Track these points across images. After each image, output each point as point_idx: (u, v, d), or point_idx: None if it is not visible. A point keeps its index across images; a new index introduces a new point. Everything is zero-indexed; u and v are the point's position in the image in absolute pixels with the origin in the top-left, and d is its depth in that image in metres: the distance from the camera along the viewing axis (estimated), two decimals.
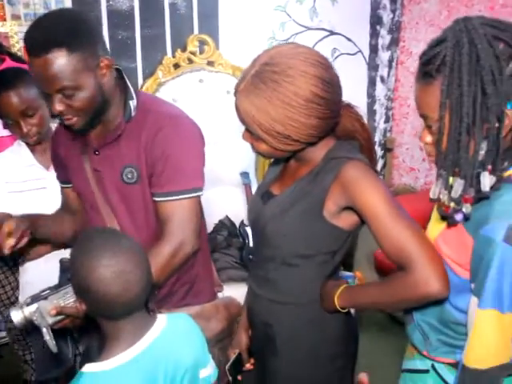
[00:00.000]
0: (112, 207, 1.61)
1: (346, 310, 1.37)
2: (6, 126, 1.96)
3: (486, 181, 1.10)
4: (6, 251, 1.55)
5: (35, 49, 1.35)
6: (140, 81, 3.06)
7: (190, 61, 3.05)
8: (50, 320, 1.44)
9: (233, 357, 1.62)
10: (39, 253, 1.96)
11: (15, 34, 2.81)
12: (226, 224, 2.92)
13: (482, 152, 1.09)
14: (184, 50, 3.04)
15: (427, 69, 1.13)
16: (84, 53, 1.38)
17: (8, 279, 2.34)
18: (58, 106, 1.41)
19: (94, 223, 1.66)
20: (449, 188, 1.15)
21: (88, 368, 1.16)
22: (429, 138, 1.19)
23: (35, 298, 1.46)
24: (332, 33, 3.46)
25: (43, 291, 1.49)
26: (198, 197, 1.58)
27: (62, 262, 1.52)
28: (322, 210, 1.31)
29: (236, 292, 1.94)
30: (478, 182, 1.10)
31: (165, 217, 1.54)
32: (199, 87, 2.99)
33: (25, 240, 1.59)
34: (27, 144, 1.98)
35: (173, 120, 1.53)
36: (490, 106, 1.06)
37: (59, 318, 1.45)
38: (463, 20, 1.10)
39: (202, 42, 3.07)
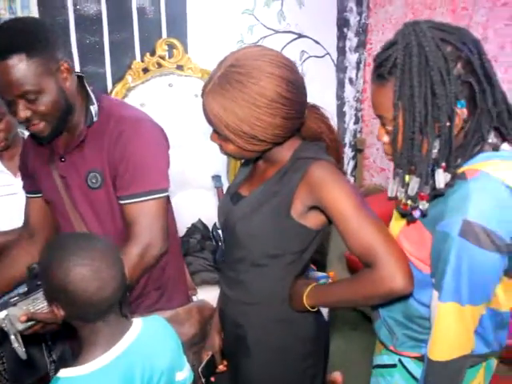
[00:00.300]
0: (80, 213, 1.61)
1: (315, 309, 1.39)
2: None
3: (441, 178, 1.13)
4: None
5: None
6: (109, 85, 3.04)
7: (159, 65, 3.04)
8: (20, 326, 1.43)
9: (206, 359, 1.63)
10: None
11: None
12: (198, 227, 2.93)
13: (435, 150, 1.13)
14: (153, 54, 3.04)
15: (380, 71, 1.17)
16: (43, 57, 1.39)
17: None
18: (23, 113, 1.41)
19: (64, 230, 1.66)
20: (405, 186, 1.18)
21: (64, 373, 1.16)
22: (386, 138, 1.23)
23: (4, 305, 1.45)
24: (300, 36, 3.49)
25: (12, 298, 1.48)
26: (164, 198, 1.58)
27: (29, 268, 1.51)
28: (290, 209, 1.33)
29: (210, 295, 1.94)
30: (434, 180, 1.14)
31: (131, 219, 1.54)
32: (169, 91, 2.99)
33: None
34: None
35: (134, 123, 1.55)
36: (441, 106, 1.10)
37: (29, 324, 1.44)
38: (412, 24, 1.14)
39: (171, 46, 3.07)
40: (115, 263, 1.21)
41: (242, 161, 1.57)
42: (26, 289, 1.51)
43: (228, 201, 1.50)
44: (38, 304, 1.46)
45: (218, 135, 1.33)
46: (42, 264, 1.21)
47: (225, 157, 3.11)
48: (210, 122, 1.32)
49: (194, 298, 1.95)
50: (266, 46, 1.38)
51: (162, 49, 3.04)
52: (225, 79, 1.25)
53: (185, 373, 1.36)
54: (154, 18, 3.09)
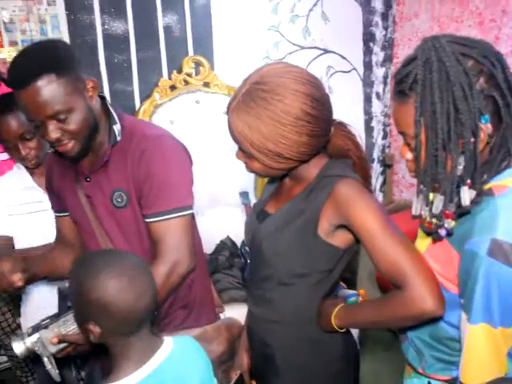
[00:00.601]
0: (106, 232, 1.61)
1: (343, 330, 1.37)
2: (5, 150, 1.98)
3: (466, 195, 1.10)
4: (21, 283, 1.56)
5: (23, 79, 1.37)
6: (137, 103, 3.08)
7: (186, 82, 3.07)
8: (53, 349, 1.44)
9: (234, 378, 1.60)
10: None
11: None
12: (227, 244, 2.92)
13: (460, 167, 1.10)
14: (180, 71, 3.07)
15: (401, 87, 1.15)
16: (71, 76, 1.41)
17: (8, 306, 2.34)
18: (54, 133, 1.42)
19: (90, 249, 1.66)
20: (430, 204, 1.15)
21: None
22: (409, 155, 1.21)
23: (36, 328, 1.46)
24: (326, 51, 3.48)
25: (43, 320, 1.49)
26: (189, 215, 1.57)
27: (59, 290, 1.52)
28: (317, 228, 1.31)
29: (238, 312, 1.92)
30: (459, 197, 1.11)
31: (157, 237, 1.54)
32: (196, 108, 3.01)
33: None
34: (26, 167, 1.99)
35: (156, 141, 1.54)
36: (464, 122, 1.07)
37: (61, 346, 1.45)
38: (431, 39, 1.12)
39: (198, 64, 3.10)
40: (147, 274, 1.23)
41: (268, 178, 1.56)
42: (57, 311, 1.52)
43: (254, 218, 1.49)
44: (69, 326, 1.47)
45: (244, 153, 1.33)
46: (74, 283, 1.21)
47: (252, 174, 3.11)
48: (235, 139, 1.31)
49: (221, 316, 1.93)
50: (290, 62, 1.37)
51: (188, 66, 3.06)
52: (249, 96, 1.25)
53: None
54: (181, 36, 3.12)
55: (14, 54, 2.81)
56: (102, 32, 2.97)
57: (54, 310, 1.63)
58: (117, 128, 1.54)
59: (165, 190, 1.52)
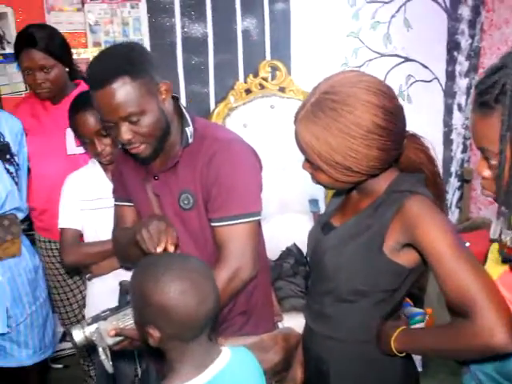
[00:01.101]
0: None
1: (403, 354, 1.29)
2: (81, 145, 2.05)
3: None
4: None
5: (99, 81, 1.39)
6: (212, 105, 3.11)
7: (262, 86, 3.06)
8: (109, 341, 1.45)
9: None
10: (105, 269, 2.01)
11: None
12: (292, 251, 2.88)
13: None
14: (256, 75, 3.07)
15: (484, 99, 1.06)
16: (145, 78, 1.41)
17: (76, 297, 2.41)
18: (126, 135, 1.43)
19: None
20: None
21: None
22: (487, 173, 1.12)
23: (95, 319, 1.48)
24: (406, 59, 3.38)
25: (103, 312, 1.51)
26: (256, 221, 1.55)
27: (121, 284, 1.54)
28: (382, 245, 1.25)
29: (297, 322, 1.87)
30: None
31: (221, 242, 1.52)
32: (270, 113, 3.00)
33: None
34: (100, 163, 2.04)
35: (226, 144, 1.53)
36: None
37: (118, 339, 1.46)
38: None
39: (274, 68, 3.09)
40: (210, 279, 1.20)
41: (335, 190, 1.51)
42: (117, 305, 1.53)
43: (319, 230, 1.45)
44: (127, 320, 1.48)
45: (310, 164, 1.29)
46: (135, 285, 1.19)
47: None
48: (301, 150, 1.27)
49: (280, 325, 1.90)
50: (369, 70, 1.32)
51: (265, 70, 3.06)
52: (318, 106, 1.21)
53: None
54: (259, 39, 3.13)
55: (96, 54, 2.92)
56: (181, 34, 3.03)
57: (116, 302, 1.67)
58: (189, 130, 1.54)
59: (232, 195, 1.50)
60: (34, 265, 1.99)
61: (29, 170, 2.12)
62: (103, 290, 2.02)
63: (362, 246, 1.28)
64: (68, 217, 2.03)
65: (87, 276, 2.08)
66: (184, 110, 1.57)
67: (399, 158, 1.32)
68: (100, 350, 1.42)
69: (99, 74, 1.41)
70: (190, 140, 1.53)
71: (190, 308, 1.12)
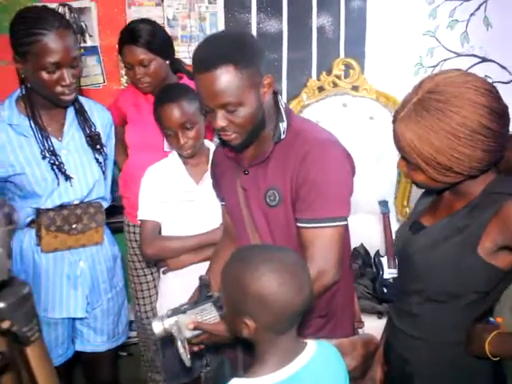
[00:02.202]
0: (257, 228, 1.61)
1: (497, 358, 1.26)
2: (164, 136, 2.07)
3: None
4: None
5: (204, 64, 1.39)
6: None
7: (335, 84, 3.03)
8: (188, 334, 1.47)
9: None
10: (183, 263, 2.03)
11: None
12: (360, 252, 2.85)
13: None
14: (329, 73, 3.04)
15: None
16: (250, 70, 1.39)
17: (151, 290, 2.47)
18: (221, 122, 1.43)
19: (240, 240, 1.68)
20: None
21: (236, 382, 1.15)
22: None
23: (175, 312, 1.50)
24: (484, 59, 3.27)
25: (182, 305, 1.53)
26: (342, 226, 1.52)
27: (201, 279, 1.55)
28: (477, 246, 1.24)
29: (366, 324, 1.87)
30: None
31: (306, 243, 1.51)
32: (343, 111, 2.96)
33: None
34: (180, 156, 2.06)
35: (321, 145, 1.50)
36: None
37: (196, 333, 1.48)
38: None
39: (348, 66, 3.05)
40: (306, 271, 1.21)
41: (424, 189, 1.48)
42: (196, 299, 1.55)
43: (407, 229, 1.43)
44: (206, 315, 1.49)
45: (408, 163, 1.27)
46: (232, 276, 1.19)
47: (393, 182, 3.02)
48: (401, 149, 1.27)
49: (360, 331, 1.87)
50: (444, 69, 1.30)
51: (338, 68, 3.03)
52: (422, 106, 1.19)
53: None
54: (333, 37, 3.11)
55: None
56: (256, 30, 3.03)
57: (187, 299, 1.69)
58: (283, 126, 1.51)
59: (322, 198, 1.48)
60: (113, 254, 2.03)
61: (114, 163, 2.16)
62: (176, 285, 2.05)
63: (456, 246, 1.27)
64: (148, 209, 2.06)
65: (162, 269, 2.11)
66: (281, 105, 1.55)
67: (501, 159, 1.29)
68: (179, 343, 1.44)
69: (205, 57, 1.40)
70: (283, 136, 1.51)
71: (288, 299, 1.13)
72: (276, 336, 1.18)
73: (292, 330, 1.20)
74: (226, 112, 1.42)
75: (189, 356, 1.45)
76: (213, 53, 1.39)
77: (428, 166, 1.22)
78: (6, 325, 0.76)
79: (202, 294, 1.54)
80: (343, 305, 1.69)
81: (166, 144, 2.27)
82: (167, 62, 2.30)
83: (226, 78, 1.37)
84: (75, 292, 1.88)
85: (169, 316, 1.49)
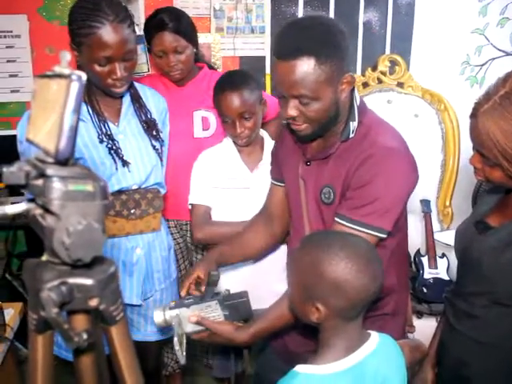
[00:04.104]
0: (310, 220, 1.58)
1: None
2: (222, 123, 2.06)
3: None
4: (182, 293, 1.62)
5: (285, 52, 1.34)
6: None
7: (380, 81, 3.00)
8: (188, 328, 1.45)
9: None
10: None
11: (217, 45, 2.98)
12: None
13: None
14: (374, 69, 3.01)
15: None
16: (331, 65, 1.33)
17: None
18: (292, 111, 1.40)
19: (295, 229, 1.66)
20: None
21: (302, 369, 1.15)
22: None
23: (178, 305, 1.48)
24: None
25: (187, 299, 1.51)
26: (376, 237, 1.41)
27: (210, 274, 1.53)
28: None
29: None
30: None
31: None
32: (387, 108, 2.93)
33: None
34: (235, 143, 2.05)
35: (386, 152, 1.39)
36: None
37: (197, 328, 1.46)
38: None
39: (393, 63, 3.01)
40: (379, 259, 1.21)
41: (489, 188, 1.44)
42: (202, 295, 1.52)
43: (472, 229, 1.39)
44: (210, 312, 1.48)
45: (485, 159, 1.23)
46: (307, 262, 1.18)
47: (436, 181, 2.98)
48: (480, 144, 1.22)
49: (410, 336, 1.83)
50: (492, 68, 1.26)
51: (383, 64, 2.99)
52: (510, 100, 1.15)
53: None
54: (380, 33, 3.07)
55: (218, 39, 2.96)
56: None
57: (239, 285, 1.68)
58: (353, 125, 1.45)
59: (370, 203, 1.40)
60: (168, 243, 2.02)
61: None
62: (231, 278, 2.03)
63: None
64: (199, 193, 2.05)
65: None
66: (355, 103, 1.48)
67: None
68: (175, 339, 1.41)
69: (287, 44, 1.34)
70: (352, 135, 1.45)
71: (363, 286, 1.14)
72: (344, 322, 1.17)
73: (359, 317, 1.20)
74: (298, 102, 1.39)
75: (184, 353, 1.41)
76: (297, 41, 1.33)
77: (508, 163, 1.18)
78: (94, 302, 0.76)
79: (209, 290, 1.52)
80: (394, 309, 1.63)
81: (195, 130, 2.27)
82: (195, 50, 2.29)
83: (304, 70, 1.32)
84: (130, 279, 1.87)
85: (171, 308, 1.48)
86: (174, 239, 2.41)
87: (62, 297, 0.72)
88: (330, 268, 1.13)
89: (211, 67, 2.50)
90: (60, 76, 0.72)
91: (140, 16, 2.90)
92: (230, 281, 1.91)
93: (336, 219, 1.45)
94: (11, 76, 3.01)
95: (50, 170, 0.71)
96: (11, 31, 2.96)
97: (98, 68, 1.64)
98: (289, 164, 1.65)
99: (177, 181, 2.17)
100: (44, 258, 0.78)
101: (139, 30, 2.91)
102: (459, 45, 3.12)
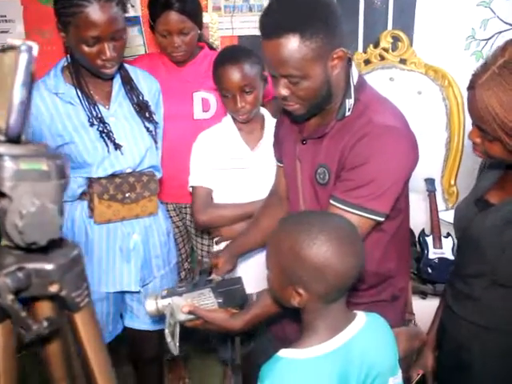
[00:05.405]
0: (305, 201, 1.55)
1: None
2: (221, 97, 2.01)
3: None
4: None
5: (268, 30, 1.30)
6: None
7: (382, 57, 2.92)
8: (181, 317, 1.42)
9: (416, 378, 1.50)
10: (237, 233, 1.95)
11: (214, 24, 2.91)
12: None
13: None
14: (376, 46, 2.93)
15: None
16: (318, 41, 1.26)
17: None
18: (282, 91, 1.36)
19: (291, 206, 1.62)
20: None
21: (284, 353, 1.13)
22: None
23: (171, 293, 1.46)
24: None
25: (180, 287, 1.48)
26: (372, 221, 1.36)
27: (202, 262, 1.51)
28: None
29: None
30: None
31: None
32: (390, 86, 2.86)
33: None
34: (235, 122, 2.01)
35: (384, 130, 1.33)
36: None
37: (190, 317, 1.43)
38: None
39: (396, 39, 2.93)
40: (360, 239, 1.18)
41: (488, 163, 1.38)
42: (194, 282, 1.50)
43: (472, 206, 1.33)
44: (203, 300, 1.45)
45: (483, 133, 1.17)
46: (287, 244, 1.13)
47: (441, 159, 2.91)
48: (478, 117, 1.16)
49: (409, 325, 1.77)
50: (498, 43, 1.19)
51: (386, 41, 2.91)
52: (508, 69, 1.09)
53: (398, 379, 1.24)
54: (381, 8, 2.98)
55: (216, 18, 2.90)
56: None
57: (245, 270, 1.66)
58: (349, 102, 1.39)
59: (363, 186, 1.34)
60: (166, 227, 1.99)
61: None
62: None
63: None
64: (200, 175, 2.02)
65: (216, 239, 2.06)
66: (352, 79, 1.41)
67: None
68: (166, 331, 1.38)
69: (271, 23, 1.30)
70: (348, 113, 1.39)
71: (345, 269, 1.10)
72: (326, 305, 1.15)
73: (342, 298, 1.17)
74: (288, 82, 1.34)
75: (177, 344, 1.38)
76: (278, 19, 1.28)
77: (508, 136, 1.12)
78: (54, 288, 0.72)
79: (202, 278, 1.49)
80: (394, 293, 1.58)
81: (195, 112, 2.23)
82: (199, 31, 2.24)
83: (289, 48, 1.26)
84: (128, 265, 1.85)
85: (163, 296, 1.45)
86: (174, 222, 2.38)
87: (18, 283, 0.68)
88: (311, 252, 1.09)
89: (212, 48, 2.45)
90: (12, 48, 0.68)
91: None
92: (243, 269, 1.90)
93: (331, 201, 1.40)
94: None
95: (0, 149, 0.67)
96: (5, 16, 2.91)
97: (86, 49, 1.60)
98: (287, 143, 1.61)
99: (176, 163, 2.14)
100: (2, 242, 0.74)
101: (134, 11, 2.88)
102: (464, 18, 3.02)
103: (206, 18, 2.90)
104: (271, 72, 1.37)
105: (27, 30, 2.90)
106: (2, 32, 2.92)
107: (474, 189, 1.40)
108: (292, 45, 1.26)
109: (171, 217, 2.39)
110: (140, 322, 1.95)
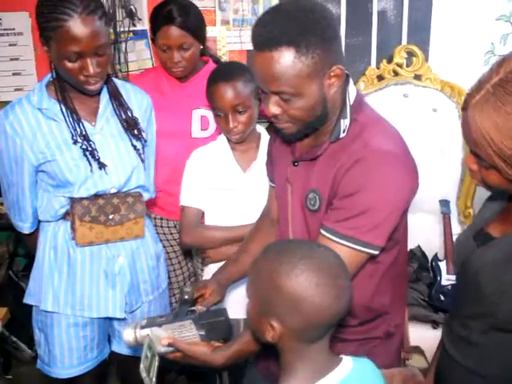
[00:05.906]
0: (293, 226, 1.45)
1: None
2: (215, 117, 1.95)
3: None
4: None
5: (261, 42, 1.20)
6: None
7: (396, 73, 2.81)
8: (161, 349, 1.34)
9: None
10: (224, 256, 1.90)
11: (222, 39, 2.85)
12: (416, 255, 2.65)
13: None
14: (390, 61, 2.83)
15: None
16: (314, 57, 1.17)
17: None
18: (273, 109, 1.26)
19: (280, 230, 1.53)
20: None
21: None
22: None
23: (150, 323, 1.37)
24: None
25: (160, 317, 1.41)
26: (366, 254, 1.26)
27: (183, 291, 1.42)
28: None
29: (417, 334, 1.68)
30: None
31: None
32: (403, 102, 2.75)
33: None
34: (229, 142, 1.95)
35: (379, 155, 1.23)
36: None
37: (171, 349, 1.35)
38: None
39: (410, 54, 2.83)
40: (347, 275, 1.07)
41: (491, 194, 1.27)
42: (175, 312, 1.41)
43: (470, 238, 1.22)
44: (184, 332, 1.36)
45: (479, 160, 1.06)
46: (265, 272, 1.05)
47: (457, 180, 2.78)
48: (472, 142, 1.04)
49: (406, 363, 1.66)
50: None
51: (400, 56, 2.81)
52: (504, 89, 0.97)
53: None
54: (395, 22, 2.89)
55: (224, 32, 2.84)
56: None
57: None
58: (344, 123, 1.29)
59: (358, 215, 1.24)
60: (155, 251, 1.90)
61: None
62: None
63: None
64: (191, 195, 1.96)
65: (204, 261, 2.01)
66: (347, 98, 1.30)
67: None
68: (141, 366, 1.31)
69: (264, 34, 1.19)
70: (342, 135, 1.29)
71: (324, 304, 1.00)
72: (305, 345, 1.04)
73: (323, 340, 1.06)
74: (280, 99, 1.24)
75: (154, 379, 1.29)
76: (274, 30, 1.17)
77: (506, 164, 1.00)
78: None
79: (183, 308, 1.40)
80: (388, 330, 1.47)
81: (193, 130, 2.18)
82: (201, 46, 2.19)
83: (282, 63, 1.17)
84: (114, 291, 1.77)
85: (143, 326, 1.37)
86: (175, 239, 2.33)
87: None
88: (288, 281, 1.00)
89: (218, 61, 2.40)
90: None
91: (143, 11, 2.81)
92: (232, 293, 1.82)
93: (321, 231, 1.29)
94: (14, 74, 2.96)
95: None
96: (13, 29, 2.90)
97: (68, 64, 1.53)
98: (279, 164, 1.51)
99: (174, 181, 2.09)
100: None
101: (142, 25, 2.84)
102: (483, 33, 2.90)
103: (214, 31, 2.85)
104: (261, 87, 1.27)
105: (35, 42, 2.88)
106: (11, 45, 2.91)
107: (475, 220, 1.28)
108: (286, 59, 1.17)
109: (171, 233, 2.33)
110: (128, 348, 1.87)
